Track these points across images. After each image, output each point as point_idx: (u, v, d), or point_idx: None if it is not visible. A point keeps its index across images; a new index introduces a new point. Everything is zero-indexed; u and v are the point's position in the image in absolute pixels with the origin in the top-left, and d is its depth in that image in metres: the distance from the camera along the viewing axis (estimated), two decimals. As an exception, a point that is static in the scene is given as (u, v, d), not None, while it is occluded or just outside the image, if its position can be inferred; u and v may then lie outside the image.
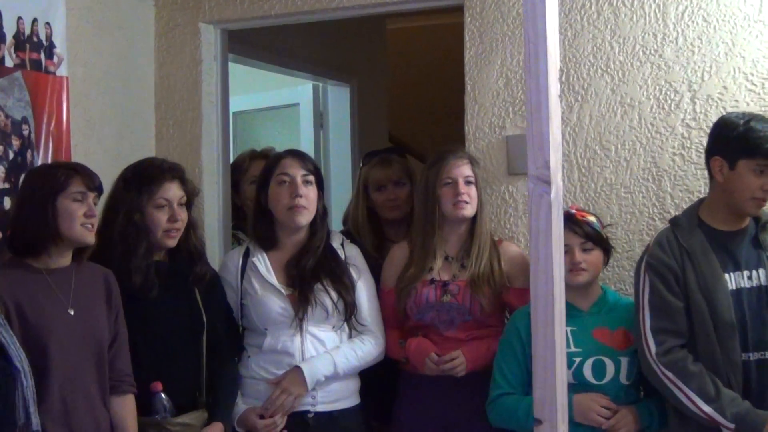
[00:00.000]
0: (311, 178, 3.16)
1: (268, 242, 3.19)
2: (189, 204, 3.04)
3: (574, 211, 2.94)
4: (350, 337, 3.15)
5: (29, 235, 2.60)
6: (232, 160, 4.14)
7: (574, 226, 2.88)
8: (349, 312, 3.11)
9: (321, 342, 3.08)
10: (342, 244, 3.25)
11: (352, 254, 3.24)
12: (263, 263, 3.15)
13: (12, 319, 2.44)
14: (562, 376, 1.50)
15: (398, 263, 3.25)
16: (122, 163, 3.11)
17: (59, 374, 2.51)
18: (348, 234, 3.55)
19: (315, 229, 3.19)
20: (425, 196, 3.19)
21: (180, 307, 2.97)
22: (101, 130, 3.64)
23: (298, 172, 3.14)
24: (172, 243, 2.99)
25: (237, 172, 4.01)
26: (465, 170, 3.16)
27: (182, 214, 2.99)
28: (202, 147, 3.91)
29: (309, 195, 3.13)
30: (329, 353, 3.07)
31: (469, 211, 3.14)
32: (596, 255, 2.92)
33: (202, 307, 2.99)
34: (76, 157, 3.30)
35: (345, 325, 3.13)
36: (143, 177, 2.97)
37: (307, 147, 5.35)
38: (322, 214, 3.22)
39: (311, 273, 3.11)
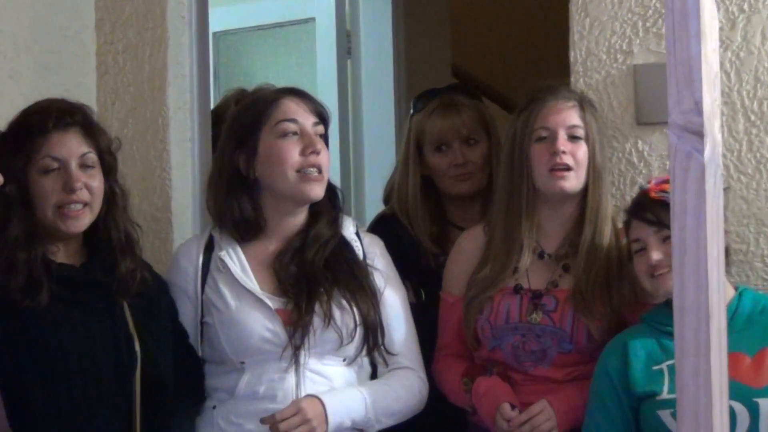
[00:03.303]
0: (322, 129, 3.17)
1: (252, 230, 3.17)
2: (105, 166, 2.99)
3: (648, 186, 2.92)
4: (372, 377, 3.15)
5: None
6: (213, 104, 4.16)
7: (642, 212, 2.87)
8: (374, 339, 3.10)
9: (328, 381, 3.06)
10: (357, 234, 3.25)
11: (373, 250, 3.25)
12: (236, 260, 3.13)
13: None
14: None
15: (469, 260, 3.27)
16: (48, 109, 3.13)
17: None
18: (393, 217, 3.56)
19: (319, 209, 3.18)
20: (511, 158, 3.20)
21: (98, 331, 2.90)
22: (16, 61, 3.67)
23: (309, 119, 3.14)
24: (74, 227, 2.92)
25: (219, 123, 3.97)
26: (570, 117, 3.16)
27: (89, 180, 2.92)
28: (168, 85, 3.93)
29: (324, 155, 3.13)
30: (356, 388, 3.07)
31: (572, 182, 3.13)
32: None
33: (133, 329, 2.94)
34: (-21, 101, 3.34)
35: (364, 359, 3.13)
36: (22, 128, 2.94)
37: (328, 84, 5.39)
38: (333, 188, 3.22)
39: (321, 274, 3.10)
